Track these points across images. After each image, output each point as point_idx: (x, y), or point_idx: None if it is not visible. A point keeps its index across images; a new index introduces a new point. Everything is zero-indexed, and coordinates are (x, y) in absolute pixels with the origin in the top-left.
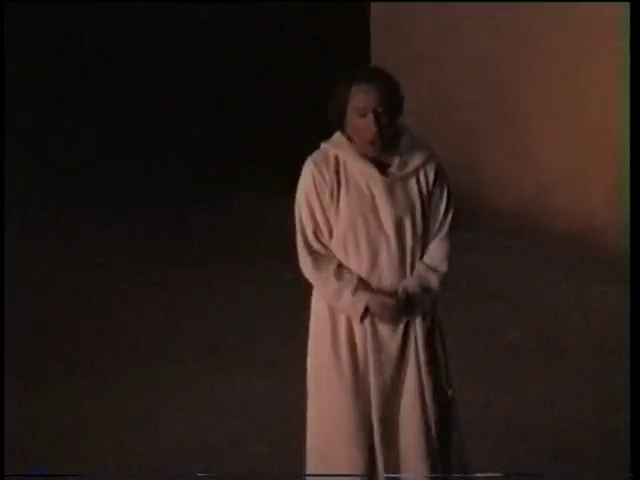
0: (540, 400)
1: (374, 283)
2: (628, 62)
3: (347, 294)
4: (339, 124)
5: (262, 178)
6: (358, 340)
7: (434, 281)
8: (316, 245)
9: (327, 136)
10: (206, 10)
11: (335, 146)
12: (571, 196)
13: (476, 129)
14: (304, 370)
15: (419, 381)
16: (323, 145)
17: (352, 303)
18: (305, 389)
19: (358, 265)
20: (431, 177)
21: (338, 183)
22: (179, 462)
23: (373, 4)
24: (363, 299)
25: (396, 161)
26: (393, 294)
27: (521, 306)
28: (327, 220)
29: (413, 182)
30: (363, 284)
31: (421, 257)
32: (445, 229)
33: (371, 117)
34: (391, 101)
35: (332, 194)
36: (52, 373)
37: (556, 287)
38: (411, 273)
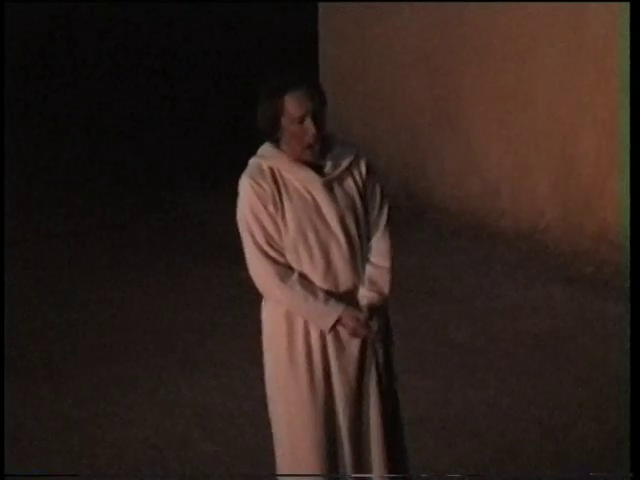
0: (487, 399)
1: (330, 284)
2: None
3: (319, 304)
4: (272, 133)
5: (210, 178)
6: (315, 344)
7: (386, 284)
8: (273, 254)
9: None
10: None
11: (266, 158)
12: (516, 196)
13: (422, 130)
14: (253, 370)
15: (379, 380)
16: (253, 160)
17: (324, 313)
18: (254, 390)
19: (312, 269)
20: (363, 172)
21: (279, 193)
22: (127, 462)
23: (321, 6)
24: (336, 311)
25: (329, 162)
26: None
27: (468, 306)
28: (278, 229)
29: (349, 179)
30: (332, 294)
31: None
32: (383, 221)
33: (309, 122)
34: (321, 104)
35: (275, 204)
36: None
37: (502, 287)
38: (363, 268)
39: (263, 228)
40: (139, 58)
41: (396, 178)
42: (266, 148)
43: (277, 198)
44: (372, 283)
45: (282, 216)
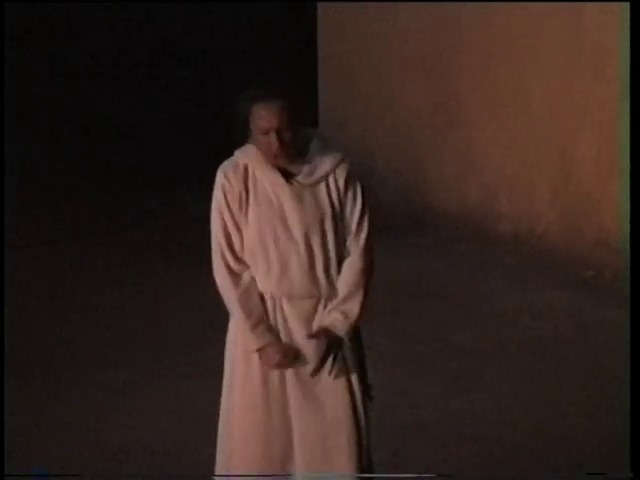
0: (488, 403)
1: (285, 291)
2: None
3: (248, 325)
4: (241, 140)
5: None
6: None
7: (355, 306)
8: (228, 254)
9: None
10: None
11: (245, 155)
12: (515, 200)
13: (420, 133)
14: None
15: (349, 384)
16: (235, 153)
17: (249, 337)
18: None
19: (267, 272)
20: (341, 182)
21: (246, 192)
22: (129, 467)
23: (320, 7)
24: (258, 343)
25: (304, 169)
26: (291, 347)
27: (468, 310)
28: (239, 230)
29: (322, 188)
30: (267, 321)
31: (340, 261)
32: (363, 238)
33: (273, 136)
34: (292, 116)
35: (240, 203)
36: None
37: (502, 291)
38: (327, 280)
39: (224, 227)
40: (138, 58)
41: (394, 182)
42: (249, 145)
43: (244, 197)
44: (341, 303)
45: (245, 216)
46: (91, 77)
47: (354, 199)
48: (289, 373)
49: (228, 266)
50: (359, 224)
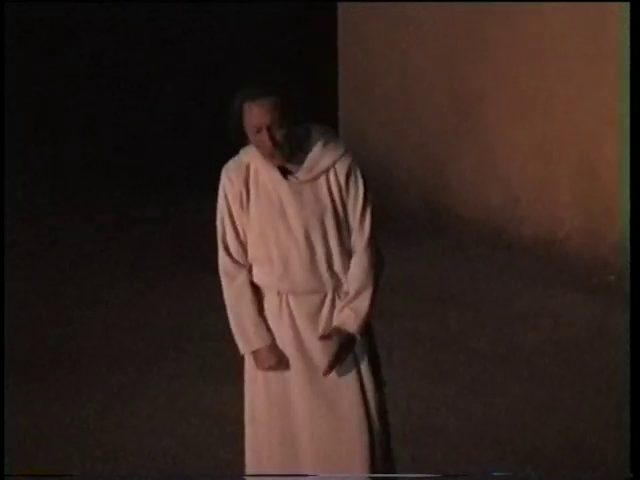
0: (506, 407)
1: (288, 287)
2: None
3: (246, 326)
4: (237, 140)
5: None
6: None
7: (364, 303)
8: (228, 254)
9: None
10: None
11: (248, 154)
12: (537, 205)
13: (441, 136)
14: None
15: (360, 381)
16: (240, 151)
17: (245, 338)
18: None
19: (270, 269)
20: (342, 176)
21: (247, 191)
22: (146, 469)
23: (340, 9)
24: (256, 344)
25: (303, 165)
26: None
27: (488, 314)
28: (236, 231)
29: (322, 183)
30: (262, 323)
31: (345, 256)
32: (366, 235)
33: (265, 134)
34: (285, 113)
35: (242, 202)
36: (14, 376)
37: (522, 295)
38: (329, 272)
39: (222, 227)
40: (139, 58)
41: (415, 185)
42: (251, 145)
43: (244, 196)
44: (351, 301)
45: (247, 214)
46: (91, 77)
47: (356, 194)
48: (295, 372)
49: (224, 267)
50: (362, 219)
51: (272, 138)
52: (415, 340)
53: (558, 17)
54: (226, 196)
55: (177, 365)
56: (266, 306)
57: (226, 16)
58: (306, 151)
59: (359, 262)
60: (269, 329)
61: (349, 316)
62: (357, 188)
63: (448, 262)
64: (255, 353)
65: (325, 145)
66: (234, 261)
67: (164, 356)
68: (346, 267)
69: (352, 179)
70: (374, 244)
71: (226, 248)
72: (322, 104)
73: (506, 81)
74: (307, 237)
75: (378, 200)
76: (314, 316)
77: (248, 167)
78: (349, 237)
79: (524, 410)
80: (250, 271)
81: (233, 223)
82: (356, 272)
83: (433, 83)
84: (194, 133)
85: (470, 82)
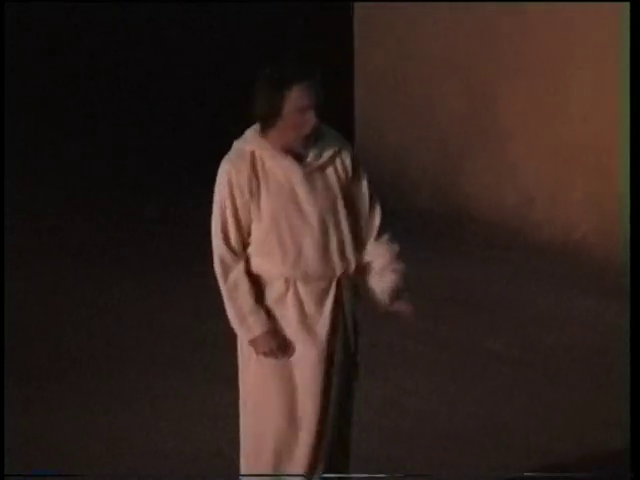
0: (522, 410)
1: (300, 273)
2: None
3: (244, 314)
4: (270, 121)
5: None
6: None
7: (401, 265)
8: (222, 250)
9: None
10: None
11: (250, 143)
12: (552, 206)
13: (456, 139)
14: None
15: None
16: (236, 143)
17: (244, 326)
18: None
19: (283, 256)
20: (348, 162)
21: (257, 179)
22: (158, 472)
23: (356, 13)
24: (254, 331)
25: (312, 152)
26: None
27: (503, 316)
28: (238, 222)
29: (331, 170)
30: (259, 311)
31: (354, 241)
32: (378, 212)
33: (312, 113)
34: (322, 96)
35: (251, 191)
36: (37, 381)
37: (537, 297)
38: (340, 257)
39: (223, 218)
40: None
41: (429, 187)
42: (251, 133)
43: (254, 185)
44: (388, 266)
45: (257, 203)
46: (91, 77)
47: (361, 180)
48: (302, 356)
49: (222, 257)
50: (372, 204)
51: (317, 117)
52: (430, 343)
53: (575, 18)
54: (230, 185)
55: (178, 365)
56: (269, 295)
57: (230, 15)
58: (312, 140)
59: (382, 241)
60: (269, 315)
61: (394, 278)
62: (361, 176)
63: (462, 263)
64: (255, 339)
65: (328, 134)
66: (232, 251)
67: (168, 356)
68: (356, 253)
69: (356, 167)
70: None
71: (226, 238)
72: (338, 104)
73: (521, 82)
74: (321, 222)
75: (392, 200)
76: (322, 300)
77: (253, 155)
78: (358, 223)
79: (538, 412)
80: (247, 261)
81: (235, 212)
82: (381, 249)
83: (448, 84)
84: (194, 133)
85: (486, 83)
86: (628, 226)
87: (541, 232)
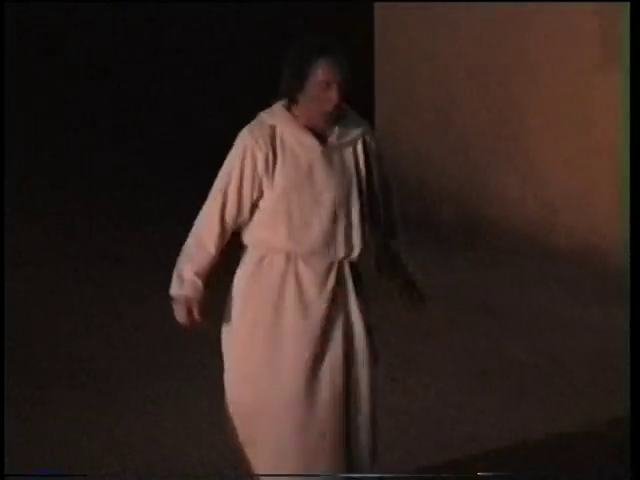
0: (544, 417)
1: (302, 252)
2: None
3: (177, 272)
4: (293, 95)
5: None
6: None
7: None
8: (217, 208)
9: None
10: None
11: (273, 116)
12: (575, 215)
13: (478, 145)
14: None
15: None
16: (261, 114)
17: (173, 283)
18: None
19: (289, 232)
20: (369, 148)
21: (274, 153)
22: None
23: (377, 18)
24: (175, 290)
25: (334, 132)
26: None
27: (525, 324)
28: (240, 193)
29: (350, 153)
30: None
31: (365, 229)
32: (396, 207)
33: (335, 89)
34: (348, 74)
35: (267, 163)
36: (55, 384)
37: (560, 305)
38: (345, 240)
39: (233, 178)
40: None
41: (451, 194)
42: (277, 107)
43: (270, 158)
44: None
45: (272, 175)
46: (91, 77)
47: (380, 170)
48: (295, 335)
49: (209, 214)
50: (388, 195)
51: (339, 95)
52: (451, 350)
53: (599, 27)
54: (244, 154)
55: (179, 366)
56: (267, 268)
57: (230, 15)
58: (335, 119)
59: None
60: (206, 287)
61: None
62: (381, 165)
63: (485, 272)
64: (180, 299)
65: (352, 117)
66: (223, 213)
67: (172, 359)
68: (363, 239)
69: (376, 156)
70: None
71: (224, 197)
72: (358, 109)
73: (544, 90)
74: (332, 203)
75: (414, 209)
76: (322, 280)
77: (274, 129)
78: (370, 212)
79: (560, 420)
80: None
81: (240, 182)
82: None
83: (471, 90)
84: (194, 133)
85: (507, 90)
86: None
87: (565, 240)
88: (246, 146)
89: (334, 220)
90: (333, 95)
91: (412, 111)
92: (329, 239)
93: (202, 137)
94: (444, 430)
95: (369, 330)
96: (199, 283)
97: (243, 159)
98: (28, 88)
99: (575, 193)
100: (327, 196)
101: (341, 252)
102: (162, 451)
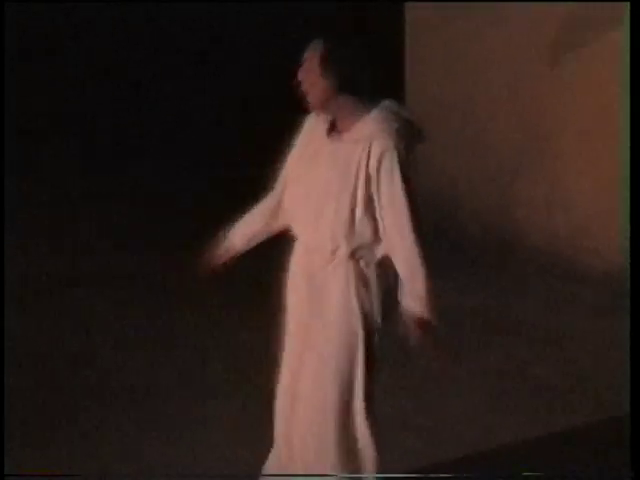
0: (574, 440)
1: (315, 244)
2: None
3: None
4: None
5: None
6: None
7: (420, 285)
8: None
9: None
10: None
11: None
12: (607, 235)
13: (508, 166)
14: None
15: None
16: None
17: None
18: None
19: (304, 225)
20: (377, 154)
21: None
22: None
23: (408, 30)
24: (219, 244)
25: (349, 128)
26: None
27: (555, 346)
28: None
29: (360, 153)
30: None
31: (366, 230)
32: (405, 211)
33: (305, 87)
34: (325, 70)
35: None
36: (54, 385)
37: (591, 328)
38: (345, 235)
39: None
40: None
41: (480, 214)
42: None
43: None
44: (408, 286)
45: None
46: (91, 77)
47: (390, 179)
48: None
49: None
50: (394, 202)
51: (304, 92)
52: (478, 371)
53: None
54: (297, 142)
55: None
56: (293, 255)
57: (230, 15)
58: (359, 118)
59: (405, 247)
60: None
61: (412, 301)
62: (392, 174)
63: (514, 293)
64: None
65: (377, 119)
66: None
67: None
68: (348, 241)
69: (387, 163)
70: (416, 230)
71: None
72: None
73: (574, 108)
74: (336, 197)
75: (441, 228)
76: (311, 275)
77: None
78: (373, 212)
79: (588, 443)
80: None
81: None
82: (404, 257)
83: (500, 107)
84: (194, 133)
85: (537, 112)
86: None
87: (596, 261)
88: (299, 134)
89: (325, 213)
90: (304, 91)
91: (442, 126)
92: (326, 231)
93: (202, 137)
94: (470, 450)
95: (370, 331)
96: (233, 242)
97: (294, 143)
98: (28, 88)
99: (604, 214)
100: (327, 187)
101: (333, 246)
102: (162, 451)
